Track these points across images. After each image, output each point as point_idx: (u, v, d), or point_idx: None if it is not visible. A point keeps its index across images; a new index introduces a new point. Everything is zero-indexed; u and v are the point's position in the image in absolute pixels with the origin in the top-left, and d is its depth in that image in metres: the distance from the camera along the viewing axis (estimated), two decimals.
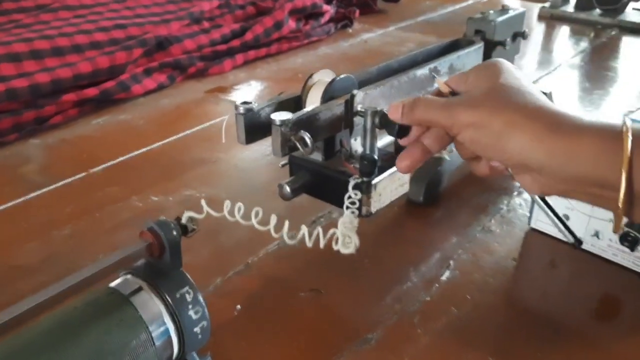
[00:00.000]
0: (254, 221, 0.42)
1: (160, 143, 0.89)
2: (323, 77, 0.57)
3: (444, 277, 0.62)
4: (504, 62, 0.45)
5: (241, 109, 0.51)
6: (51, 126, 0.92)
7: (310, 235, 0.45)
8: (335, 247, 0.46)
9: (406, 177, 0.58)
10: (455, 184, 0.79)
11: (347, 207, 0.51)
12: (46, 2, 1.12)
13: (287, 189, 0.55)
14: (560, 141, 0.38)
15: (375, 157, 0.53)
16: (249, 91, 1.11)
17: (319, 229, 0.44)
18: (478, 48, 0.73)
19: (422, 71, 0.63)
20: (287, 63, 1.26)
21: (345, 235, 0.46)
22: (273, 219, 0.42)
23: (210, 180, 0.79)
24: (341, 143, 0.57)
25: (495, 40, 0.76)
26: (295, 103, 0.56)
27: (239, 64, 1.21)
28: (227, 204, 0.43)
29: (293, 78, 1.17)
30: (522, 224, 0.71)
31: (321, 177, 0.56)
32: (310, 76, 0.56)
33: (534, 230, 0.69)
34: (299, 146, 0.49)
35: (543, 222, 0.68)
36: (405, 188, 0.58)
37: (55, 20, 1.07)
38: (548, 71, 1.23)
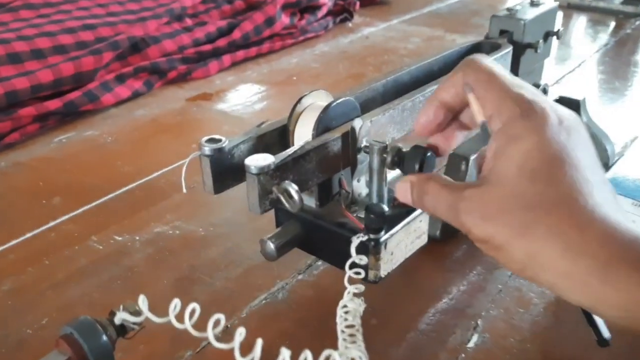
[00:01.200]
0: (210, 334, 0.30)
1: (130, 166, 0.76)
2: (315, 101, 0.44)
3: (471, 344, 0.50)
4: (550, 111, 0.31)
5: (207, 150, 0.39)
6: (6, 146, 0.80)
7: None
8: None
9: (424, 226, 0.45)
10: None
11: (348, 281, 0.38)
12: (5, 0, 0.99)
13: (271, 246, 0.42)
14: (621, 292, 0.26)
15: (385, 207, 0.40)
16: (236, 98, 0.98)
17: (308, 355, 0.30)
18: (505, 53, 0.60)
19: None
20: (281, 63, 1.13)
21: None
22: (258, 345, 0.29)
23: (186, 212, 0.67)
24: (340, 183, 0.45)
25: (525, 42, 0.64)
26: (279, 136, 0.43)
27: (226, 66, 1.08)
28: (174, 304, 0.31)
29: (287, 81, 1.04)
30: None
31: (315, 230, 0.44)
32: (299, 100, 0.44)
33: None
34: (282, 200, 0.37)
35: None
36: (423, 240, 0.46)
37: (15, 21, 0.94)
38: (570, 69, 1.10)
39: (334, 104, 0.42)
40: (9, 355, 0.49)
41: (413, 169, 0.38)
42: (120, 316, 0.31)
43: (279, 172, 0.37)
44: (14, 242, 0.62)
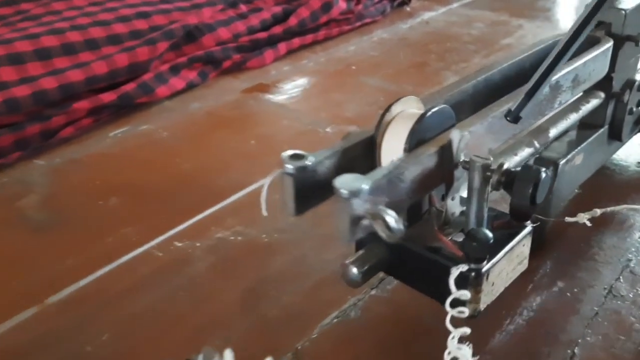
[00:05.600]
0: None
1: (189, 163, 0.73)
2: (405, 109, 0.39)
3: None
4: None
5: (290, 168, 0.34)
6: (60, 141, 0.77)
7: None
8: None
9: (527, 251, 0.40)
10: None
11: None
12: None
13: (355, 271, 0.38)
14: None
15: (490, 234, 0.35)
16: (293, 89, 0.94)
17: None
18: (606, 50, 0.53)
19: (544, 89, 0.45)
20: (338, 51, 1.07)
21: None
22: None
23: (247, 216, 0.63)
24: (430, 200, 0.40)
25: (625, 34, 0.57)
26: (365, 149, 0.39)
27: (282, 55, 1.03)
28: None
29: (346, 70, 0.99)
30: None
31: (404, 255, 0.39)
32: (388, 108, 0.39)
33: None
34: (378, 230, 0.32)
35: None
36: (524, 265, 0.41)
37: (68, 9, 0.92)
38: None
39: (430, 113, 0.37)
40: None
41: (525, 193, 0.33)
42: None
43: (371, 195, 0.32)
44: (70, 247, 0.60)
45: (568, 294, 0.53)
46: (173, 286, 0.54)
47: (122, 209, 0.65)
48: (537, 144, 0.52)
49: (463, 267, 0.35)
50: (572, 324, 0.49)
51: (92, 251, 0.58)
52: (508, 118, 0.38)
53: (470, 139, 0.38)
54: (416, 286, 0.40)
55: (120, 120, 0.83)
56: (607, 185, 0.68)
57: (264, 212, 0.36)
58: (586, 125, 0.61)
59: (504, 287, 0.39)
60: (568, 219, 0.39)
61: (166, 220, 0.63)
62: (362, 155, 0.38)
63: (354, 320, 0.50)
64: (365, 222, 0.32)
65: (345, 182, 0.32)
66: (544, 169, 0.33)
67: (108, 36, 0.87)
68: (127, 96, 0.82)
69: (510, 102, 0.41)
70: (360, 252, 0.39)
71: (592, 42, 0.55)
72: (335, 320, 0.50)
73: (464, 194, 0.39)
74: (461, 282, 0.35)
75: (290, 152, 0.35)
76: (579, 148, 0.57)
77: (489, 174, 0.35)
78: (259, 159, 0.73)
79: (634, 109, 0.63)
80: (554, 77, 0.46)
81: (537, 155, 0.54)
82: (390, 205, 0.34)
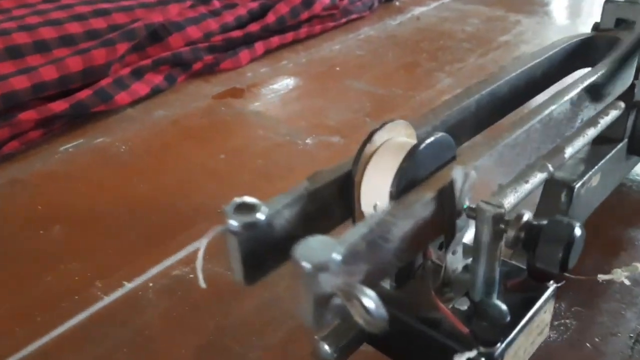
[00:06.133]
0: None
1: (147, 184, 0.64)
2: (393, 137, 0.31)
3: None
4: None
5: (235, 225, 0.25)
6: (3, 157, 0.68)
7: None
8: None
9: (549, 317, 0.31)
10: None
11: None
12: None
13: (327, 349, 0.29)
14: None
15: (504, 309, 0.26)
16: (271, 94, 0.84)
17: None
18: (629, 50, 0.45)
19: (560, 108, 0.36)
20: (321, 50, 0.98)
21: None
22: None
23: (212, 248, 0.54)
24: (424, 254, 0.31)
25: None
26: (339, 190, 0.30)
27: (259, 55, 0.94)
28: None
29: (329, 72, 0.90)
30: None
31: (393, 326, 0.30)
32: (369, 137, 0.30)
33: None
34: (353, 314, 0.23)
35: None
36: (545, 333, 0.32)
37: (18, 7, 0.82)
38: None
39: (423, 145, 0.28)
40: None
41: (554, 257, 0.24)
42: None
43: (347, 265, 0.23)
44: (2, 289, 0.50)
45: (588, 344, 0.44)
46: (115, 342, 0.45)
47: (66, 240, 0.56)
48: (550, 168, 0.43)
49: (470, 354, 0.26)
50: None
51: (21, 301, 0.49)
52: None
53: (476, 177, 0.29)
54: None
55: (73, 132, 0.73)
56: (623, 203, 0.59)
57: (202, 284, 0.27)
58: (602, 140, 0.52)
59: None
60: (602, 277, 0.31)
61: (116, 255, 0.54)
62: (335, 200, 0.29)
63: None
64: (337, 301, 0.24)
65: (309, 251, 0.23)
66: (578, 224, 0.25)
67: (60, 37, 0.77)
68: (81, 105, 0.73)
69: (526, 124, 0.33)
70: (335, 324, 0.30)
71: (610, 42, 0.46)
72: None
73: (468, 240, 0.30)
74: None
75: (237, 200, 0.26)
76: (596, 167, 0.49)
77: (502, 226, 0.27)
78: (228, 178, 0.64)
79: None
80: (574, 92, 0.37)
81: (549, 179, 0.45)
82: (373, 274, 0.25)
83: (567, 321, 0.46)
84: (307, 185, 0.28)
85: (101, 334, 0.46)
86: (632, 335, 0.45)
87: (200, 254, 0.26)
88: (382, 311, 0.23)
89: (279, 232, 0.27)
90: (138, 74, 0.80)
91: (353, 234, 0.24)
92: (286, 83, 0.88)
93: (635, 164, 0.59)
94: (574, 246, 0.24)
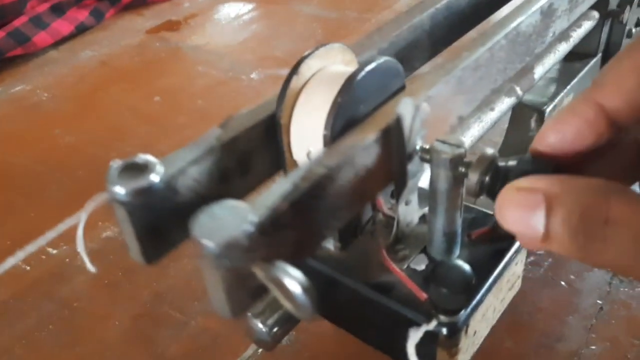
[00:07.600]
0: None
1: (72, 136, 0.57)
2: (326, 65, 0.25)
3: None
4: None
5: (122, 192, 0.20)
6: None
7: None
8: None
9: (520, 269, 0.27)
10: None
11: None
12: None
13: (262, 329, 0.24)
14: None
15: (468, 271, 0.22)
16: (212, 26, 0.77)
17: None
18: None
19: (529, 20, 0.30)
20: None
21: None
22: None
23: None
24: (374, 206, 0.26)
25: None
26: (263, 137, 0.24)
27: None
28: None
29: None
30: None
31: (338, 293, 0.25)
32: (296, 66, 0.24)
33: None
34: (279, 299, 0.18)
35: None
36: (517, 286, 0.28)
37: None
38: None
39: (362, 73, 0.22)
40: None
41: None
42: None
43: (266, 236, 0.18)
44: None
45: (563, 282, 0.41)
46: (40, 316, 0.40)
47: None
48: (519, 91, 0.38)
49: (429, 326, 0.21)
50: (569, 326, 0.37)
51: None
52: None
53: (430, 111, 0.23)
54: (361, 337, 0.26)
55: None
56: None
57: (90, 268, 0.22)
58: (574, 56, 0.47)
59: (491, 326, 0.26)
60: None
61: (38, 218, 0.48)
62: (259, 150, 0.23)
63: (287, 347, 0.37)
64: (254, 282, 0.18)
65: (212, 224, 0.17)
66: (552, 163, 0.20)
67: None
68: None
69: (489, 40, 0.27)
70: (271, 296, 0.25)
71: None
72: (260, 351, 0.37)
73: (424, 184, 0.25)
74: (427, 342, 0.22)
75: (119, 161, 0.20)
76: (568, 87, 0.44)
77: (462, 170, 0.22)
78: (164, 122, 0.58)
79: (633, 30, 0.49)
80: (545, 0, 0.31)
81: (517, 104, 0.40)
82: (304, 242, 0.20)
83: (539, 259, 0.42)
84: (220, 133, 0.22)
85: (25, 309, 0.40)
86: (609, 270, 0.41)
87: (80, 232, 0.21)
88: (309, 299, 0.18)
89: (186, 197, 0.21)
90: (58, 10, 0.71)
91: (271, 194, 0.19)
92: (227, 12, 0.79)
93: None
94: None
